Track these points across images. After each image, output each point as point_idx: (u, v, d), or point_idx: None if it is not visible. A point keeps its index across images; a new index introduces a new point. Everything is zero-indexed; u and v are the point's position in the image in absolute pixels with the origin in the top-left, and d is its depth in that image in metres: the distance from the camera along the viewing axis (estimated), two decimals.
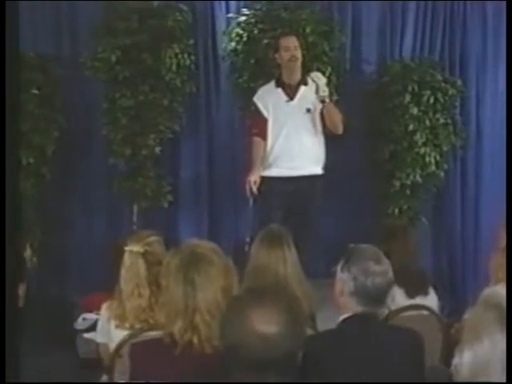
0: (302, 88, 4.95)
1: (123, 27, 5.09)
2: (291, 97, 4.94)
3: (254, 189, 4.80)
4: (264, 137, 4.94)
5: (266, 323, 1.69)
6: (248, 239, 4.77)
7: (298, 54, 4.90)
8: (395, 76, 5.56)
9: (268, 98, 4.96)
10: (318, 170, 5.02)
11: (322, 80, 4.85)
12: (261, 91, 5.04)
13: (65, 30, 5.49)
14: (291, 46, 4.88)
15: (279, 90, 4.97)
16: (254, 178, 4.81)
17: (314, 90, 4.87)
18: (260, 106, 4.96)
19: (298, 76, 4.96)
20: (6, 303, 1.83)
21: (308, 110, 4.91)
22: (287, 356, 1.72)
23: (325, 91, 4.82)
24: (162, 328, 2.33)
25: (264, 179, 4.89)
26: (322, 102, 4.84)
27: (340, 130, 4.95)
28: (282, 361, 1.70)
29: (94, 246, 5.55)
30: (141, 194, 5.34)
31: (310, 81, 4.94)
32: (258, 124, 4.96)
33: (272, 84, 5.02)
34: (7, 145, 1.91)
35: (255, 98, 5.01)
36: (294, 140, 4.91)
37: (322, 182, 5.05)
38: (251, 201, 4.94)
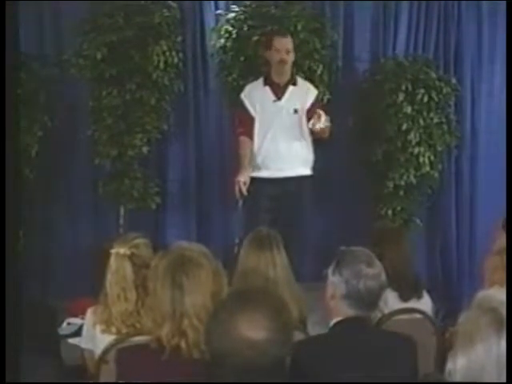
0: (291, 88, 4.89)
1: (109, 24, 5.00)
2: (279, 97, 4.87)
3: (244, 190, 4.71)
4: (251, 136, 4.86)
5: (253, 329, 1.67)
6: (237, 241, 4.71)
7: (289, 57, 4.82)
8: (388, 74, 5.50)
9: (255, 96, 4.88)
10: (306, 170, 4.95)
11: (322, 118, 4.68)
12: (248, 88, 4.96)
13: (48, 26, 5.40)
14: (282, 49, 4.80)
15: (267, 88, 4.89)
16: (243, 179, 4.73)
17: (304, 91, 4.85)
18: (247, 103, 4.89)
19: (287, 76, 4.89)
20: (6, 304, 1.82)
21: (295, 111, 4.84)
22: (275, 362, 1.70)
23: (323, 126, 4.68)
24: (149, 333, 2.32)
25: (252, 180, 4.80)
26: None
27: (326, 135, 4.86)
28: (269, 367, 1.68)
29: (79, 249, 5.46)
30: (127, 195, 5.26)
31: (299, 81, 4.90)
32: (245, 123, 4.88)
33: (260, 81, 4.94)
34: (7, 146, 1.86)
35: (242, 95, 4.93)
36: (281, 141, 4.85)
37: (310, 182, 4.99)
38: (240, 202, 4.84)
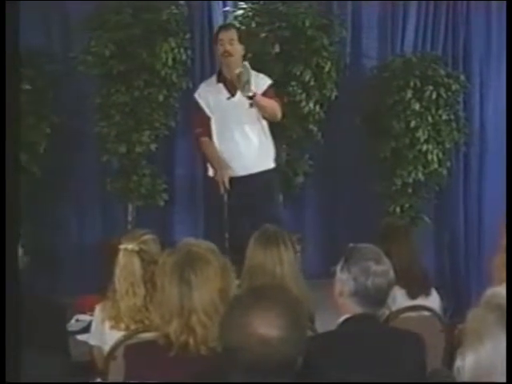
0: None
1: (116, 20, 4.99)
2: (232, 93, 4.79)
3: (227, 184, 4.68)
4: (210, 135, 4.81)
5: (267, 326, 1.66)
6: (227, 235, 4.67)
7: (234, 48, 4.74)
8: (396, 71, 5.49)
9: (209, 95, 4.83)
10: (269, 164, 4.91)
11: (244, 77, 4.60)
12: (202, 87, 4.93)
13: (56, 23, 5.39)
14: (225, 40, 4.74)
15: (220, 85, 4.83)
16: (223, 173, 4.70)
17: (256, 83, 4.75)
18: (202, 103, 4.84)
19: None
20: (6, 303, 1.81)
21: (251, 105, 4.70)
22: (287, 361, 1.69)
23: (248, 90, 4.60)
24: (157, 329, 2.31)
25: None
26: (249, 98, 4.65)
27: (278, 117, 4.82)
28: (281, 365, 1.68)
29: (87, 246, 5.46)
30: (135, 192, 5.25)
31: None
32: (202, 122, 4.84)
33: (213, 79, 4.90)
34: (7, 143, 1.86)
35: (196, 95, 4.88)
36: (239, 138, 4.80)
37: (275, 175, 4.98)
38: (225, 197, 4.76)
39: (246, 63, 4.71)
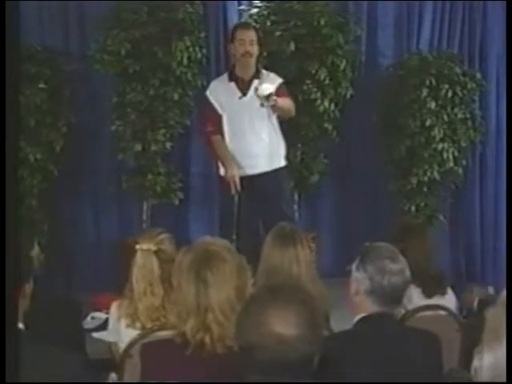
0: (256, 82, 4.74)
1: (132, 19, 5.02)
2: (244, 92, 4.75)
3: (238, 184, 4.66)
4: (221, 133, 4.78)
5: (284, 325, 1.66)
6: (234, 237, 4.66)
7: (254, 49, 4.71)
8: (412, 69, 5.48)
9: (221, 93, 4.79)
10: (280, 162, 4.88)
11: (263, 85, 4.59)
12: (213, 85, 4.89)
13: (73, 22, 5.41)
14: (246, 40, 4.69)
15: (232, 84, 4.78)
16: (234, 173, 4.67)
17: (268, 82, 4.71)
18: (213, 101, 4.80)
19: (251, 70, 4.77)
20: (5, 303, 1.79)
21: (262, 104, 4.65)
22: (304, 359, 1.69)
23: (267, 98, 4.56)
24: (174, 328, 2.30)
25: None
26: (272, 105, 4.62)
27: (293, 114, 4.81)
28: (298, 364, 1.67)
29: (103, 244, 5.49)
30: (150, 190, 5.27)
31: (263, 73, 4.79)
32: (213, 121, 4.79)
33: (225, 77, 4.86)
34: (7, 140, 1.85)
35: (208, 93, 4.84)
36: (251, 137, 4.76)
37: (287, 173, 4.98)
38: (236, 197, 4.75)
39: (264, 72, 4.76)
